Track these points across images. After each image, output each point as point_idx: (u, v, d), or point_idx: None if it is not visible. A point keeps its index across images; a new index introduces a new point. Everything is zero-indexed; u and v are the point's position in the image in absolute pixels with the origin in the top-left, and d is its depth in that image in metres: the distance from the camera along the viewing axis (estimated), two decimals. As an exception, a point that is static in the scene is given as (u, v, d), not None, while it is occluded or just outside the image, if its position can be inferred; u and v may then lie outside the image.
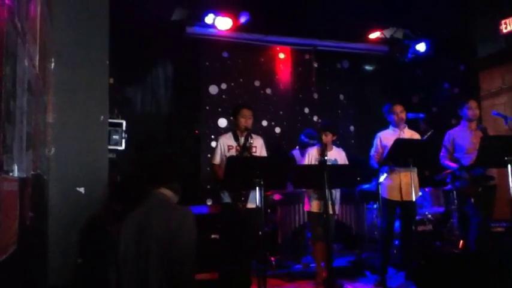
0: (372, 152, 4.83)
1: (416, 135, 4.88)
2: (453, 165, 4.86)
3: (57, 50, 2.80)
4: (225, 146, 4.41)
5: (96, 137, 2.91)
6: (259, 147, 4.46)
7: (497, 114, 4.99)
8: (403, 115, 4.77)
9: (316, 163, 4.55)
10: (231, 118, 4.57)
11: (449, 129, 5.11)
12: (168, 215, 2.24)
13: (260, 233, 3.62)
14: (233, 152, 4.36)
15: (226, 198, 4.30)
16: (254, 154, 4.36)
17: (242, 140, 4.39)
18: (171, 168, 2.48)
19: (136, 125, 5.82)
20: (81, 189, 2.77)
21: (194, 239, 2.26)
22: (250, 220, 4.12)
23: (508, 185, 4.11)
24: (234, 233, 4.16)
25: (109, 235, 3.03)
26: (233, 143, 4.41)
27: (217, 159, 4.43)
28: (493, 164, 4.41)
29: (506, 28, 6.34)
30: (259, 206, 3.50)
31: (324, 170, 3.98)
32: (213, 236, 5.01)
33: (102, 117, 2.94)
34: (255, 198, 4.24)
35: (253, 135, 4.45)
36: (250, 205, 4.23)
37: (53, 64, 2.78)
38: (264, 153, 4.52)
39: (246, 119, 4.40)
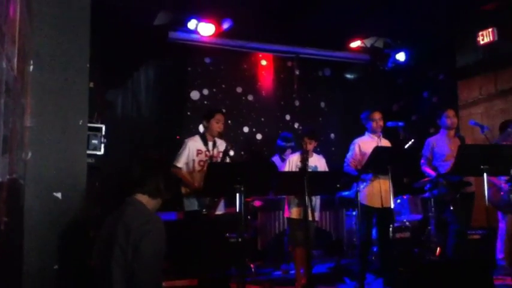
0: (348, 157, 4.87)
1: (388, 144, 4.95)
2: (432, 172, 4.93)
3: (36, 52, 2.76)
4: (193, 149, 4.33)
5: (74, 141, 2.86)
6: (223, 152, 4.38)
7: (474, 124, 5.11)
8: (381, 122, 4.84)
9: (297, 170, 4.57)
10: (204, 122, 4.49)
11: (428, 137, 5.20)
12: (132, 222, 2.17)
13: (240, 239, 3.61)
14: (202, 157, 4.31)
15: (193, 205, 4.20)
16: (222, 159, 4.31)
17: (211, 144, 4.36)
18: (145, 169, 2.39)
19: (116, 130, 5.77)
20: (58, 194, 2.72)
21: (158, 250, 2.17)
22: (220, 227, 4.10)
23: (484, 193, 4.21)
24: (206, 240, 4.11)
25: (87, 240, 2.99)
26: (202, 147, 4.36)
27: (181, 162, 4.29)
28: (470, 172, 4.49)
29: (483, 40, 6.49)
30: (240, 212, 3.49)
31: (304, 177, 4.00)
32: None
33: (81, 121, 2.89)
34: (223, 205, 4.26)
35: (219, 141, 4.44)
36: (218, 212, 4.23)
37: (31, 66, 2.74)
38: (227, 159, 4.41)
39: (219, 124, 4.38)
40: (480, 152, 4.29)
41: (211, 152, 4.35)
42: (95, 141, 3.51)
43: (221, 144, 4.45)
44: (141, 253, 2.10)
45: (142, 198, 2.34)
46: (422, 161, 4.98)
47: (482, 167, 4.13)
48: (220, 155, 4.38)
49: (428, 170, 4.97)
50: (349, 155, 4.87)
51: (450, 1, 6.07)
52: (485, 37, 6.46)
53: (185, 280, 3.95)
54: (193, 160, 4.29)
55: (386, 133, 5.04)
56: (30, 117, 2.71)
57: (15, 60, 2.24)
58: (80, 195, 2.84)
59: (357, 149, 4.82)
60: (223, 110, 4.63)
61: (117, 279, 2.11)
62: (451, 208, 4.78)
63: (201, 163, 4.31)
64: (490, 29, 6.39)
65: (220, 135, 4.43)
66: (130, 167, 2.38)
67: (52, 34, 2.84)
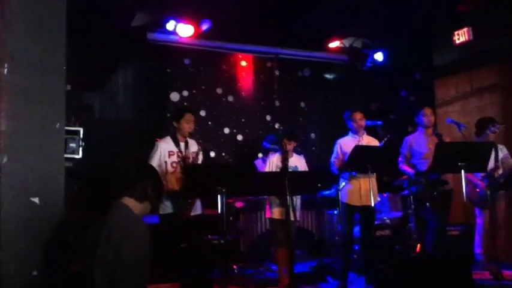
0: (333, 158, 4.91)
1: (374, 142, 4.99)
2: (410, 170, 5.00)
3: (11, 55, 2.70)
4: (164, 151, 4.24)
5: (51, 145, 2.80)
6: (196, 152, 4.36)
7: (451, 122, 5.19)
8: (362, 122, 4.88)
9: (278, 170, 4.58)
10: (174, 123, 4.41)
11: (406, 135, 5.27)
12: (114, 225, 2.14)
13: (222, 241, 3.60)
14: (174, 158, 4.23)
15: (167, 208, 4.13)
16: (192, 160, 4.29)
17: (183, 145, 4.33)
18: (138, 172, 2.35)
19: (94, 133, 5.69)
20: (36, 199, 2.66)
21: (141, 256, 2.14)
22: (195, 228, 4.08)
23: (461, 189, 4.28)
24: (182, 242, 4.07)
25: (66, 245, 2.94)
26: (174, 149, 4.28)
27: (153, 164, 4.18)
28: (448, 169, 4.56)
29: (458, 39, 6.61)
30: (222, 213, 3.48)
31: (285, 177, 4.01)
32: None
33: (58, 124, 2.84)
34: (199, 206, 4.22)
35: (191, 141, 4.40)
36: (193, 213, 4.19)
37: (6, 69, 2.68)
38: (200, 159, 4.39)
39: (190, 124, 4.32)
40: (457, 149, 4.36)
41: (183, 153, 4.30)
42: (73, 145, 3.46)
43: (193, 145, 4.40)
44: (122, 257, 2.07)
45: (129, 202, 2.31)
46: (400, 158, 5.04)
47: (459, 164, 4.21)
48: (193, 155, 4.33)
49: (406, 168, 5.03)
50: (333, 156, 4.91)
51: (426, 2, 6.17)
52: (461, 36, 6.59)
53: (167, 284, 3.90)
54: (166, 162, 4.21)
55: (367, 132, 5.08)
56: (5, 120, 2.65)
57: (-11, 62, 2.19)
58: (58, 199, 2.79)
59: (338, 149, 4.86)
60: (192, 109, 4.53)
61: (99, 283, 2.08)
62: (429, 205, 4.85)
63: (174, 164, 4.24)
64: (465, 29, 6.52)
65: (191, 135, 4.37)
66: (124, 168, 2.35)
67: (27, 36, 2.79)
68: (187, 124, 4.30)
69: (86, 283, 2.17)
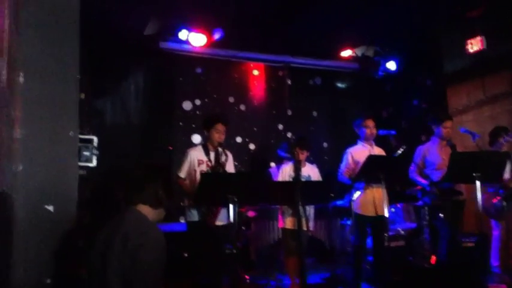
0: (342, 167, 4.87)
1: (383, 153, 4.95)
2: (423, 180, 4.94)
3: (26, 64, 2.73)
4: (195, 159, 4.24)
5: (65, 153, 2.82)
6: (229, 162, 4.34)
7: (465, 131, 5.12)
8: (374, 130, 4.84)
9: (290, 179, 4.56)
10: (204, 131, 4.40)
11: (419, 144, 5.21)
12: (130, 231, 2.14)
13: (234, 250, 3.57)
14: (203, 167, 4.21)
15: (194, 216, 4.16)
16: (226, 170, 4.27)
17: (213, 154, 4.31)
18: (144, 175, 2.35)
19: (107, 140, 5.71)
20: (50, 207, 2.68)
21: (157, 261, 2.14)
22: (219, 238, 4.05)
23: (476, 200, 4.22)
24: (205, 250, 4.06)
25: (79, 253, 2.94)
26: (204, 158, 4.27)
27: (183, 172, 4.23)
28: (462, 179, 4.50)
29: (472, 48, 6.55)
30: (233, 222, 3.46)
31: (297, 187, 3.98)
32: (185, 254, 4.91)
33: (71, 132, 2.86)
34: (225, 216, 4.20)
35: (226, 151, 4.36)
36: (219, 222, 4.15)
37: (21, 78, 2.71)
38: (232, 169, 4.39)
39: (220, 134, 4.28)
40: (472, 159, 4.30)
41: (213, 162, 4.27)
42: (86, 153, 3.46)
43: (228, 154, 4.32)
44: (139, 263, 2.07)
45: (143, 208, 2.30)
46: (412, 168, 4.98)
47: (474, 174, 4.15)
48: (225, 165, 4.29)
49: (418, 178, 4.98)
50: (342, 164, 4.87)
51: (437, 9, 6.14)
52: (474, 45, 6.53)
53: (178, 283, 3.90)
54: (195, 170, 4.20)
55: (378, 141, 5.04)
56: (20, 128, 2.68)
57: (5, 71, 2.21)
58: (72, 207, 2.81)
59: (349, 158, 4.82)
60: (227, 121, 4.43)
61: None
62: (442, 216, 4.79)
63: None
64: (478, 38, 6.46)
65: (221, 145, 4.30)
66: (130, 173, 2.34)
67: (42, 46, 2.82)
68: (217, 134, 4.26)
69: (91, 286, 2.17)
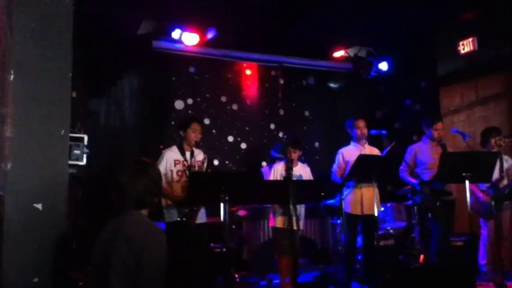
0: (334, 167, 4.91)
1: (376, 151, 4.99)
2: (413, 180, 4.98)
3: (17, 62, 2.72)
4: (170, 160, 4.28)
5: (56, 151, 2.82)
6: (201, 161, 4.38)
7: (456, 132, 5.18)
8: (365, 130, 4.88)
9: (281, 179, 4.58)
10: (180, 131, 4.42)
11: (411, 144, 5.25)
12: (134, 234, 2.16)
13: (225, 249, 3.59)
14: (180, 167, 4.26)
15: (173, 216, 4.16)
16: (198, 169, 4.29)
17: (188, 154, 4.33)
18: (129, 175, 2.34)
19: (99, 139, 5.71)
20: (39, 206, 2.67)
21: (161, 260, 2.17)
22: (200, 235, 4.07)
23: (466, 200, 4.26)
24: (192, 251, 4.07)
25: (69, 252, 2.94)
26: (179, 158, 4.31)
27: None
28: (452, 179, 4.54)
29: (464, 49, 6.60)
30: (224, 221, 3.48)
31: (289, 186, 4.00)
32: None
33: (63, 131, 2.86)
34: (204, 214, 4.23)
35: (196, 150, 4.41)
36: (199, 221, 4.19)
37: (12, 76, 2.70)
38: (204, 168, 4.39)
39: (196, 133, 4.32)
40: (462, 159, 4.35)
41: (189, 162, 4.31)
42: (77, 152, 3.46)
43: (199, 154, 4.42)
44: (144, 265, 2.10)
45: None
46: (402, 167, 5.02)
47: (464, 174, 4.19)
48: (199, 164, 4.34)
49: (408, 177, 5.02)
50: (335, 164, 4.92)
51: (431, 10, 6.18)
52: (466, 46, 6.58)
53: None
54: (171, 170, 4.25)
55: (369, 141, 5.08)
56: (11, 127, 2.67)
57: (-5, 70, 2.21)
58: (62, 206, 2.80)
59: (340, 158, 4.87)
60: (200, 118, 4.53)
61: None
62: (432, 215, 4.83)
63: (179, 173, 4.27)
64: (470, 39, 6.51)
65: (197, 144, 4.37)
66: (116, 179, 2.33)
67: (33, 44, 2.81)
68: (193, 133, 4.31)
69: None
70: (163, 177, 4.19)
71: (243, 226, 5.68)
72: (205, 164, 4.39)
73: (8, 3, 2.59)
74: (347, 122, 4.98)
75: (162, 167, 4.23)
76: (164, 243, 2.22)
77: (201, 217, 4.21)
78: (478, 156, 4.64)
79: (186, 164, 4.26)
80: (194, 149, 4.40)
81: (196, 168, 4.30)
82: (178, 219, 4.11)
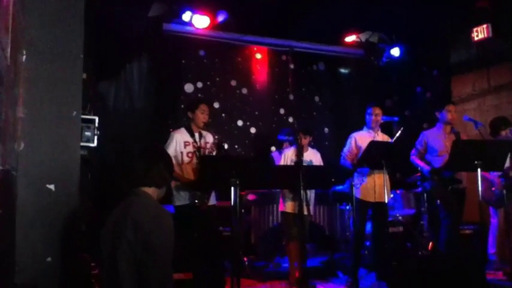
0: (345, 151, 4.86)
1: (388, 139, 4.95)
2: (422, 164, 4.94)
3: (29, 42, 2.71)
4: (180, 141, 4.23)
5: (68, 132, 2.81)
6: (210, 143, 4.35)
7: (468, 119, 5.12)
8: (379, 118, 4.84)
9: (292, 164, 4.57)
10: (188, 113, 4.39)
11: (423, 130, 5.21)
12: (141, 217, 2.16)
13: (233, 233, 3.59)
14: (190, 149, 4.22)
15: (183, 199, 4.14)
16: (209, 151, 4.29)
17: (197, 135, 4.32)
18: (148, 162, 2.36)
19: (109, 121, 5.71)
20: (51, 186, 2.68)
21: (168, 243, 2.18)
22: (209, 218, 4.08)
23: (477, 188, 4.22)
24: (202, 235, 4.08)
25: (80, 232, 2.96)
26: (189, 139, 4.27)
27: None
28: (464, 167, 4.50)
29: (477, 36, 6.50)
30: (234, 205, 3.48)
31: (299, 171, 3.99)
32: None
33: (74, 112, 2.85)
34: (214, 197, 4.22)
35: (204, 132, 4.37)
36: (209, 203, 4.18)
37: (24, 56, 2.69)
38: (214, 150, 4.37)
39: (204, 114, 4.29)
40: (474, 147, 4.30)
41: (198, 143, 4.29)
42: (88, 133, 3.45)
43: (207, 135, 4.38)
44: (151, 248, 2.11)
45: (149, 189, 2.34)
46: (413, 151, 4.99)
47: (476, 162, 4.15)
48: (208, 145, 4.32)
49: (419, 162, 4.98)
50: (346, 148, 4.87)
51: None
52: (480, 33, 6.47)
53: (180, 274, 3.92)
54: (182, 152, 4.21)
55: (382, 128, 5.04)
56: (23, 107, 2.67)
57: (9, 49, 2.20)
58: (73, 187, 2.81)
59: (353, 142, 4.82)
60: (207, 100, 4.49)
61: (123, 271, 2.11)
62: (441, 203, 4.81)
63: (189, 155, 4.23)
64: (484, 25, 6.40)
65: (206, 126, 4.33)
66: (133, 163, 2.35)
67: (45, 24, 2.79)
68: (201, 114, 4.28)
69: (105, 273, 2.19)
70: (173, 160, 4.20)
71: (251, 210, 5.68)
72: (213, 146, 4.37)
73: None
74: (367, 108, 4.92)
75: (172, 148, 4.20)
76: (171, 226, 2.22)
77: (211, 200, 4.20)
78: (490, 144, 4.59)
79: (196, 146, 4.24)
80: (203, 131, 4.38)
81: (207, 151, 4.28)
82: (189, 202, 4.10)
